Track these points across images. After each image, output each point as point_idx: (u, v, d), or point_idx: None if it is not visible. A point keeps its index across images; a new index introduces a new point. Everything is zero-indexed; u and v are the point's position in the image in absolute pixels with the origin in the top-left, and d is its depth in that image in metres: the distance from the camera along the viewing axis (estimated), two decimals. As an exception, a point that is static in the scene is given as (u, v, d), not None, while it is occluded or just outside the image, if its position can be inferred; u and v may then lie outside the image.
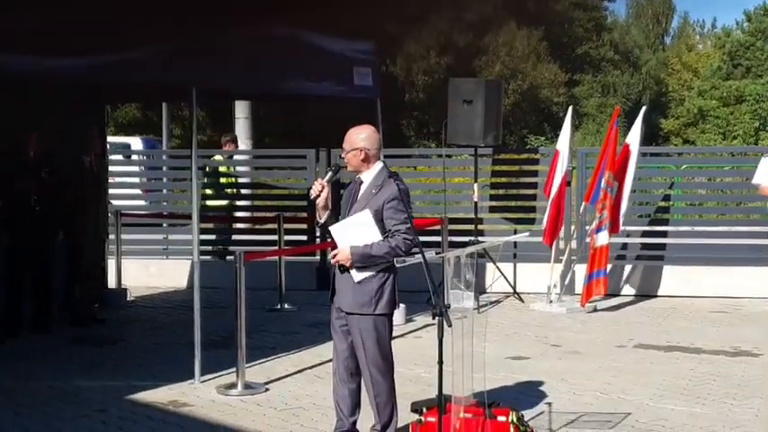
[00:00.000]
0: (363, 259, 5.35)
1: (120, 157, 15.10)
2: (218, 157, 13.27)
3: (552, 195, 10.65)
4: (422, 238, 5.57)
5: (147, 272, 12.27)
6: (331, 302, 5.60)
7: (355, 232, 5.36)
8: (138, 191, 14.12)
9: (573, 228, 11.39)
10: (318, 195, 5.48)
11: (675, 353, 8.42)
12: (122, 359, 8.32)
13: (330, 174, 5.65)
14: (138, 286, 11.66)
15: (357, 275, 5.40)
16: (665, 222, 11.92)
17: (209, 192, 13.10)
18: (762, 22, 42.91)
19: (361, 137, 5.49)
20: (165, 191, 14.27)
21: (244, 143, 18.55)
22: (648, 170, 12.28)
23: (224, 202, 13.11)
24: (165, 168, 14.43)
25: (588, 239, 10.95)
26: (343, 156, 5.54)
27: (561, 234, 11.10)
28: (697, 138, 36.54)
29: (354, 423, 5.65)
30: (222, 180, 13.12)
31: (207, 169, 13.12)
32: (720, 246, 11.60)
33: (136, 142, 22.81)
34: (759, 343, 8.70)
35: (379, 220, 5.37)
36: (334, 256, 5.44)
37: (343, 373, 5.60)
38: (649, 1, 56.57)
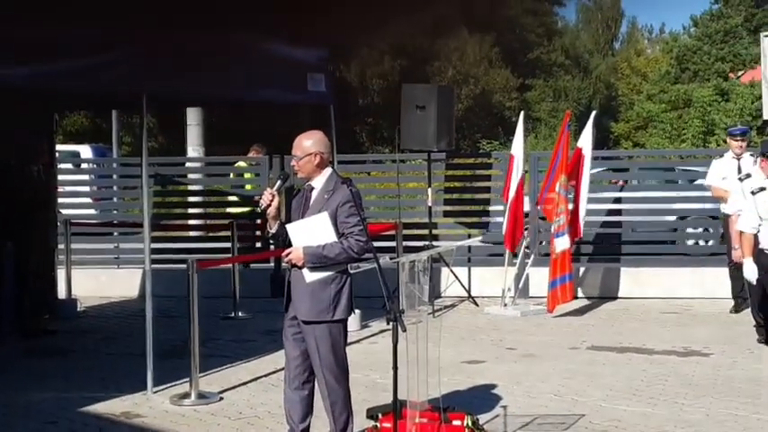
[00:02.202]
0: (316, 259, 5.33)
1: (69, 165, 14.90)
2: (241, 164, 13.13)
3: (510, 200, 10.68)
4: (376, 244, 5.59)
5: (98, 281, 12.13)
6: (285, 311, 5.57)
7: (311, 233, 5.35)
8: (87, 199, 13.95)
9: (525, 231, 11.44)
10: (269, 205, 5.44)
11: (628, 354, 8.50)
12: (74, 370, 8.21)
13: (279, 182, 5.61)
14: (90, 296, 11.52)
15: (309, 276, 5.38)
16: (617, 225, 12.04)
17: (233, 199, 12.94)
18: (708, 27, 43.58)
19: (312, 142, 5.47)
20: (115, 199, 14.13)
21: (195, 150, 18.42)
22: (600, 173, 12.39)
23: (247, 209, 12.71)
24: (115, 176, 14.28)
25: (541, 242, 11.02)
26: (294, 163, 5.51)
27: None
28: (646, 141, 36.96)
29: (304, 430, 5.62)
30: (248, 187, 12.94)
31: (231, 176, 13.03)
32: (670, 247, 11.74)
33: (85, 150, 22.52)
34: (709, 343, 8.82)
35: (333, 223, 5.36)
36: (287, 254, 5.42)
37: (294, 380, 5.57)
38: (599, 6, 57.19)
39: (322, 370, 5.46)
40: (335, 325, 5.45)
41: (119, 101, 10.73)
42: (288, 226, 5.47)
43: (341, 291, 5.42)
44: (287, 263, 5.48)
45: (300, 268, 5.40)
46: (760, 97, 19.88)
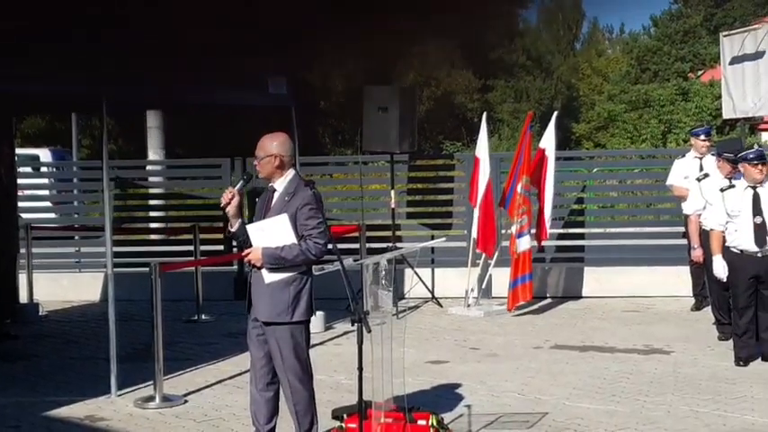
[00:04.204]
0: (273, 260, 5.34)
1: (28, 169, 14.76)
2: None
3: (479, 203, 10.71)
4: (340, 245, 5.59)
5: (60, 285, 12.03)
6: (247, 313, 5.58)
7: (270, 234, 5.36)
8: (48, 203, 13.82)
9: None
10: (228, 203, 5.45)
11: (590, 352, 8.58)
12: (37, 375, 8.14)
13: (241, 182, 5.62)
14: (52, 300, 11.42)
15: (268, 277, 5.40)
16: (579, 225, 12.13)
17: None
18: (668, 27, 44.05)
19: (274, 144, 5.49)
20: (75, 203, 14.01)
21: (156, 153, 18.36)
22: (561, 174, 12.48)
23: None
24: (75, 180, 14.17)
25: (505, 243, 11.08)
26: (256, 163, 5.52)
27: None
28: (607, 141, 37.23)
29: (270, 431, 5.63)
30: None
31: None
32: (632, 247, 11.86)
33: (44, 154, 22.35)
34: (670, 341, 8.92)
35: (293, 225, 5.37)
36: (246, 255, 5.44)
37: (259, 382, 5.57)
38: (559, 7, 57.53)
39: (285, 372, 5.46)
40: (296, 327, 5.45)
41: (78, 104, 10.66)
42: (248, 227, 5.49)
43: (300, 292, 5.42)
44: (246, 262, 5.49)
45: (259, 269, 5.42)
46: (719, 97, 20.10)
